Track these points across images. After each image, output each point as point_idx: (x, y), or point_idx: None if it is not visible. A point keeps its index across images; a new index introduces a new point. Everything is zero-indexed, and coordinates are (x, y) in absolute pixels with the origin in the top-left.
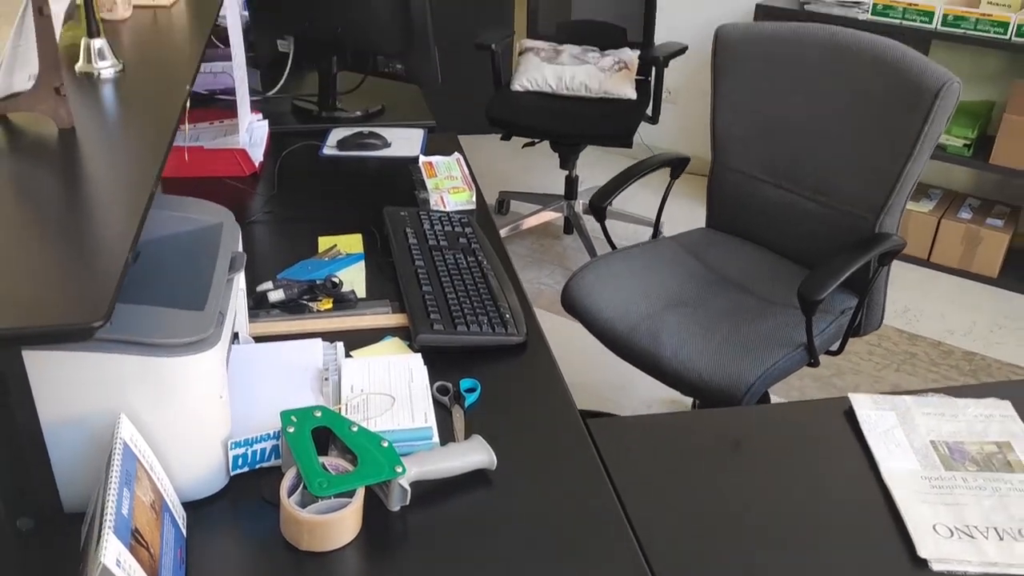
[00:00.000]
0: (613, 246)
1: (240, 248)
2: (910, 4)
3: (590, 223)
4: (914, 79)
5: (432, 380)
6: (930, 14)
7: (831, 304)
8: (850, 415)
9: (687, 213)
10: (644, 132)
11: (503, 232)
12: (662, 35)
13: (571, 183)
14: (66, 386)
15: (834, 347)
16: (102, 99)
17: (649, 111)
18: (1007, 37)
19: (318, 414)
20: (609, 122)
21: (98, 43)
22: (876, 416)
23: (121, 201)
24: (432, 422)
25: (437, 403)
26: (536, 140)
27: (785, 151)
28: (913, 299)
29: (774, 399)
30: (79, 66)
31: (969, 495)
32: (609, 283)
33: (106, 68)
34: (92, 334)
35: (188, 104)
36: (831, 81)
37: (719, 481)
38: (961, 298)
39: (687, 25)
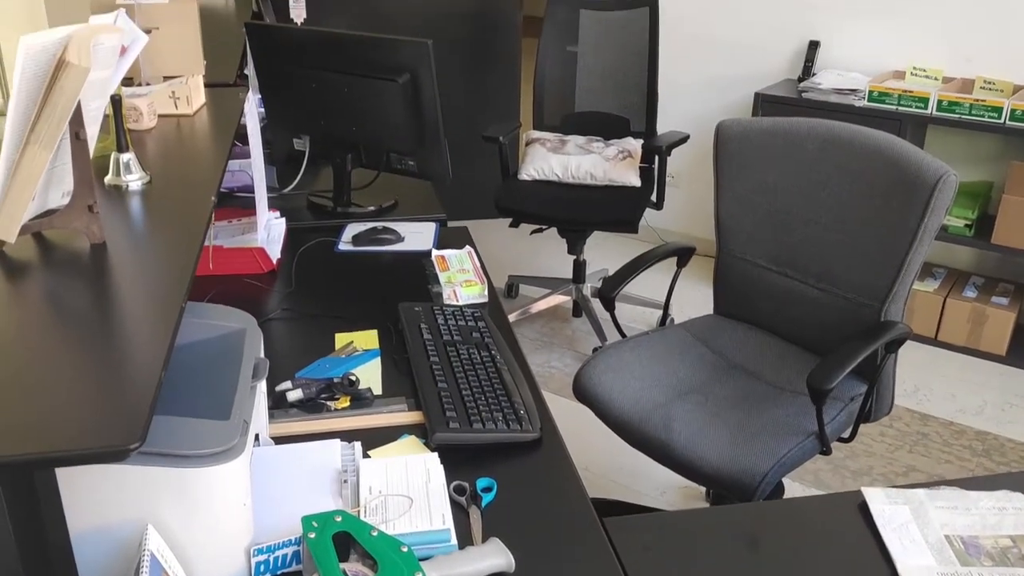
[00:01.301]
0: (623, 334)
1: (262, 353)
2: (905, 91)
3: (598, 306)
4: (911, 172)
5: (448, 478)
6: (925, 100)
7: (841, 391)
8: (864, 509)
9: (695, 294)
10: (649, 215)
11: (513, 316)
12: (664, 124)
13: (579, 267)
14: (94, 498)
15: (846, 434)
16: (130, 212)
17: (654, 197)
18: (1001, 121)
19: (338, 519)
20: (615, 209)
21: (126, 157)
22: (890, 511)
23: (152, 318)
24: (450, 524)
25: (454, 503)
26: (544, 227)
27: (788, 240)
28: (923, 378)
29: (787, 483)
30: (108, 179)
31: None
32: (620, 372)
33: (134, 181)
34: (127, 456)
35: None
36: (830, 173)
37: None
38: (970, 377)
39: (689, 114)
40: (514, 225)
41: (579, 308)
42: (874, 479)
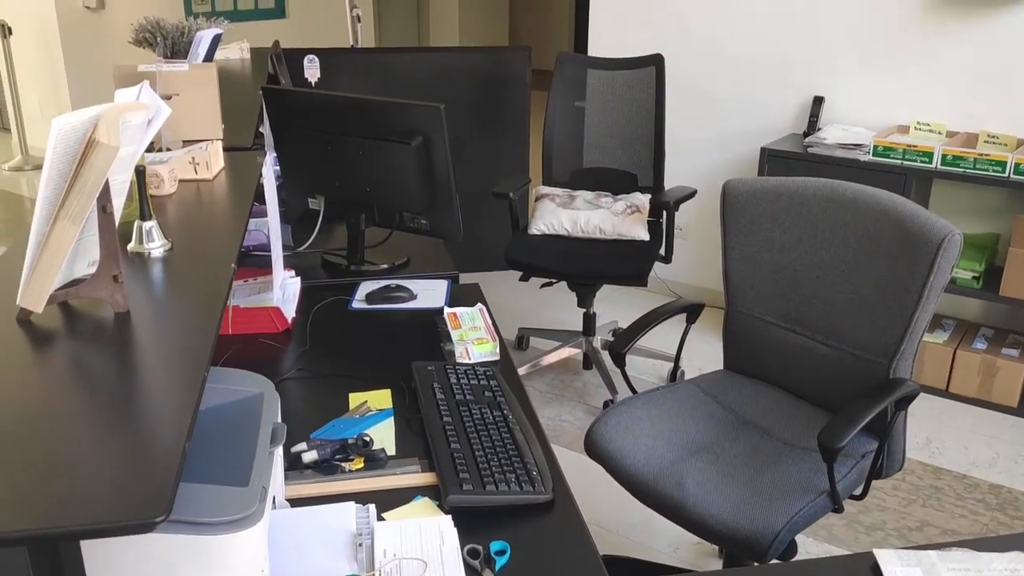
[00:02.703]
0: (633, 389)
1: (279, 418)
2: (910, 146)
3: (608, 359)
4: (916, 231)
5: (462, 540)
6: (929, 155)
7: (851, 448)
8: (876, 571)
9: (705, 346)
10: (658, 268)
11: (523, 369)
12: (671, 179)
13: (589, 320)
14: (116, 565)
15: (857, 491)
16: (153, 280)
17: (662, 251)
18: (1005, 175)
19: None
20: (624, 263)
21: (148, 225)
22: (902, 573)
23: (175, 388)
24: None
25: (468, 567)
26: (554, 280)
27: (796, 297)
28: (934, 431)
29: (800, 539)
30: (131, 246)
31: None
32: (631, 430)
33: (156, 248)
34: (152, 529)
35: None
36: (836, 232)
37: None
38: (982, 429)
39: (696, 169)
40: (524, 279)
41: (589, 361)
42: (888, 534)
